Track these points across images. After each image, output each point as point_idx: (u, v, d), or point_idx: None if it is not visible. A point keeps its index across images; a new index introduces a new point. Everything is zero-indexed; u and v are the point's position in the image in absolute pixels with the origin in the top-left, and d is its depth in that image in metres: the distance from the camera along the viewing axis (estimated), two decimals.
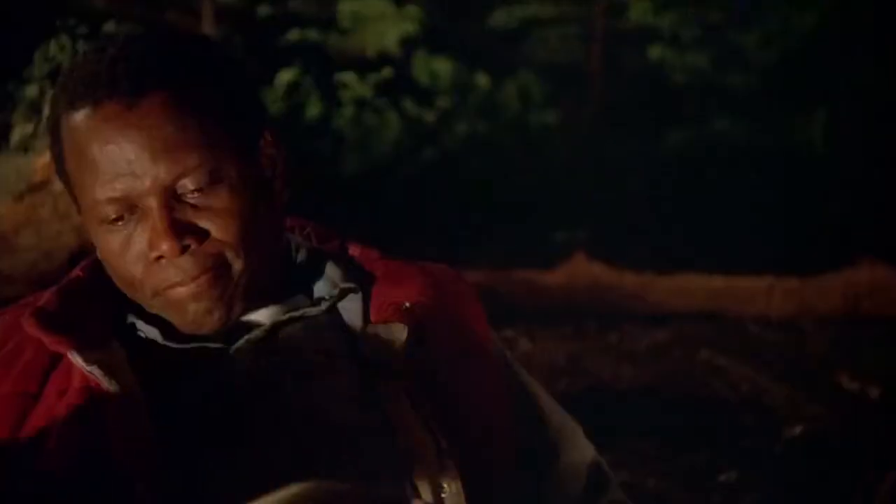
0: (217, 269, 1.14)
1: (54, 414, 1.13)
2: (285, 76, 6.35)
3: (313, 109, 6.53)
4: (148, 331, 1.18)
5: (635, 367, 4.19)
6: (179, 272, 1.13)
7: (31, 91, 2.94)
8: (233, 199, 1.14)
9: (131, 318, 1.19)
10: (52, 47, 2.95)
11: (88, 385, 1.13)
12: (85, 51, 1.19)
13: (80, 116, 1.13)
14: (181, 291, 1.14)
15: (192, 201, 1.13)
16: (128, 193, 1.12)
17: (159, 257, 1.13)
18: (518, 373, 1.29)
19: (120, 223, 1.13)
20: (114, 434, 1.10)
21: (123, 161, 1.12)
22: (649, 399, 3.82)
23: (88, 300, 1.19)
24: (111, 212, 1.13)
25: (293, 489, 0.99)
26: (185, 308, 1.15)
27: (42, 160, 2.92)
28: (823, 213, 6.00)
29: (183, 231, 1.12)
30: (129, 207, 1.13)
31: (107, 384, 1.10)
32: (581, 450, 1.29)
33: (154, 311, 1.17)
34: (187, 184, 1.13)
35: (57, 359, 1.16)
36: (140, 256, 1.14)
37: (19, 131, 2.96)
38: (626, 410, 3.68)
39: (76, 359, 1.12)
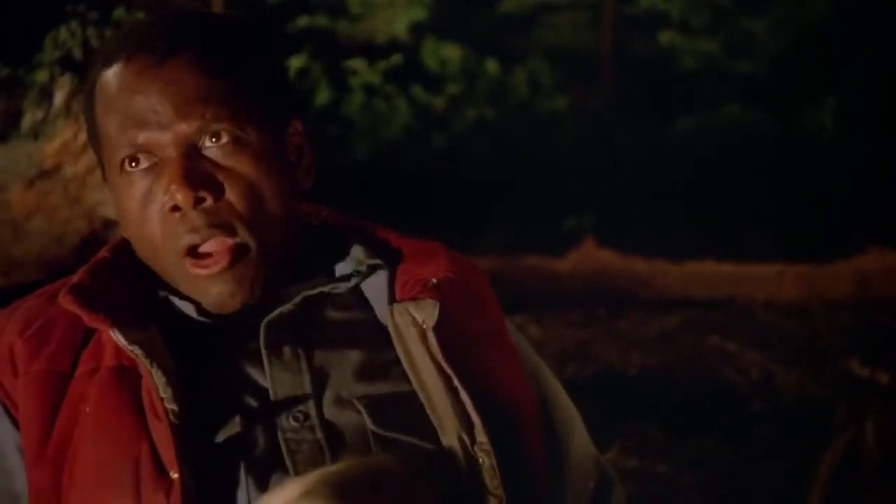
0: (235, 249, 1.14)
1: (86, 393, 1.13)
2: (294, 63, 6.35)
3: (322, 96, 6.53)
4: (182, 305, 1.18)
5: (644, 353, 4.19)
6: (189, 227, 1.14)
7: (42, 76, 2.94)
8: (254, 165, 1.15)
9: (163, 293, 1.19)
10: (63, 33, 2.95)
11: (122, 364, 1.13)
12: (129, 23, 1.22)
13: (112, 71, 1.15)
14: (201, 273, 1.14)
15: (213, 158, 1.14)
16: (151, 143, 1.13)
17: (174, 208, 1.13)
18: (528, 356, 1.29)
19: (139, 171, 1.14)
20: (149, 413, 1.11)
21: (150, 111, 1.13)
22: (658, 385, 3.82)
23: (118, 278, 1.19)
24: (130, 155, 1.14)
25: (337, 466, 1.00)
26: (207, 291, 1.15)
27: (53, 146, 2.93)
28: (834, 199, 5.98)
29: (199, 182, 1.13)
30: (149, 157, 1.14)
31: (148, 366, 1.10)
32: (586, 442, 1.30)
33: (175, 283, 1.18)
34: (209, 139, 1.14)
35: (87, 337, 1.16)
36: (159, 211, 1.14)
37: (30, 117, 2.97)
38: (635, 396, 3.68)
39: (118, 337, 1.12)
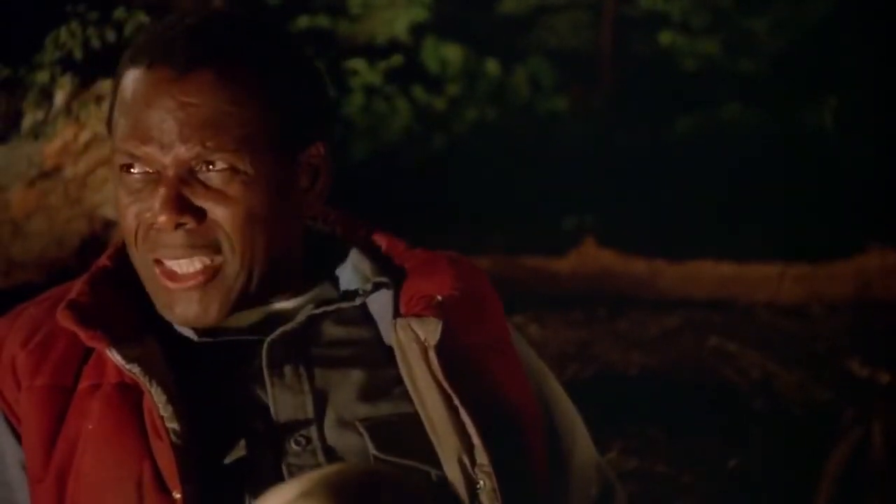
0: (210, 270, 1.14)
1: (88, 410, 1.13)
2: None
3: None
4: (181, 329, 1.18)
5: (645, 353, 4.18)
6: (167, 244, 1.14)
7: (42, 77, 2.94)
8: (247, 192, 1.14)
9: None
10: (63, 33, 2.95)
11: (123, 381, 1.13)
12: (165, 19, 1.21)
13: (133, 73, 1.15)
14: (171, 287, 1.14)
15: (205, 181, 1.14)
16: (149, 157, 1.14)
17: (154, 224, 1.14)
18: (531, 362, 1.28)
19: (136, 174, 1.15)
20: (150, 431, 1.10)
21: (155, 127, 1.13)
22: (659, 385, 3.82)
23: (119, 292, 1.19)
24: (128, 160, 1.16)
25: (336, 467, 1.00)
26: (171, 306, 1.15)
27: (53, 146, 2.93)
28: (834, 199, 5.98)
29: (184, 208, 1.13)
30: (146, 167, 1.15)
31: (147, 384, 1.10)
32: (588, 448, 1.29)
33: (145, 285, 1.18)
34: (206, 166, 1.13)
35: (89, 352, 1.16)
36: (140, 214, 1.15)
37: (30, 118, 2.97)
38: (635, 396, 3.68)
39: (115, 356, 1.12)
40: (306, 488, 0.93)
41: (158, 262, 1.15)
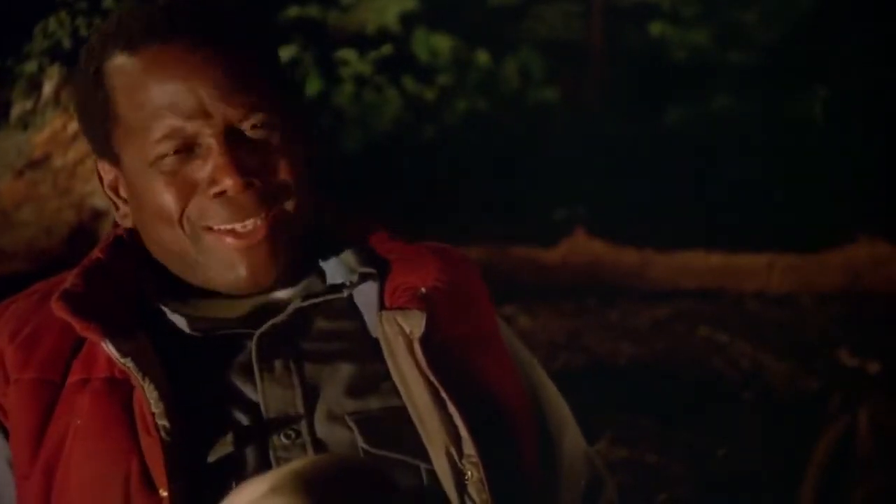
0: (275, 217, 1.15)
1: (77, 405, 1.12)
2: (285, 53, 6.32)
3: (313, 86, 6.51)
4: (175, 319, 1.17)
5: (635, 343, 4.19)
6: (239, 210, 1.13)
7: (31, 67, 2.94)
8: (288, 145, 1.15)
9: (156, 305, 1.18)
10: (52, 23, 2.94)
11: (113, 376, 1.12)
12: (128, 6, 1.20)
13: (142, 57, 1.13)
14: (236, 245, 1.14)
15: (252, 140, 1.14)
16: (194, 130, 1.12)
17: (220, 193, 1.13)
18: (520, 354, 1.28)
19: (169, 157, 1.14)
20: (140, 428, 1.10)
21: (190, 98, 1.12)
22: (649, 375, 3.83)
23: (112, 284, 1.18)
24: (169, 148, 1.14)
25: (308, 459, 0.99)
26: (235, 266, 1.15)
27: (42, 136, 2.92)
28: (824, 189, 5.99)
29: (247, 168, 1.13)
30: (186, 145, 1.14)
31: (140, 380, 1.09)
32: (578, 440, 1.30)
33: (189, 270, 1.17)
34: (249, 124, 1.14)
35: (78, 346, 1.15)
36: (184, 193, 1.13)
37: (19, 108, 2.96)
38: (625, 386, 3.68)
39: (110, 349, 1.11)
40: (275, 483, 0.92)
41: (212, 229, 1.14)
